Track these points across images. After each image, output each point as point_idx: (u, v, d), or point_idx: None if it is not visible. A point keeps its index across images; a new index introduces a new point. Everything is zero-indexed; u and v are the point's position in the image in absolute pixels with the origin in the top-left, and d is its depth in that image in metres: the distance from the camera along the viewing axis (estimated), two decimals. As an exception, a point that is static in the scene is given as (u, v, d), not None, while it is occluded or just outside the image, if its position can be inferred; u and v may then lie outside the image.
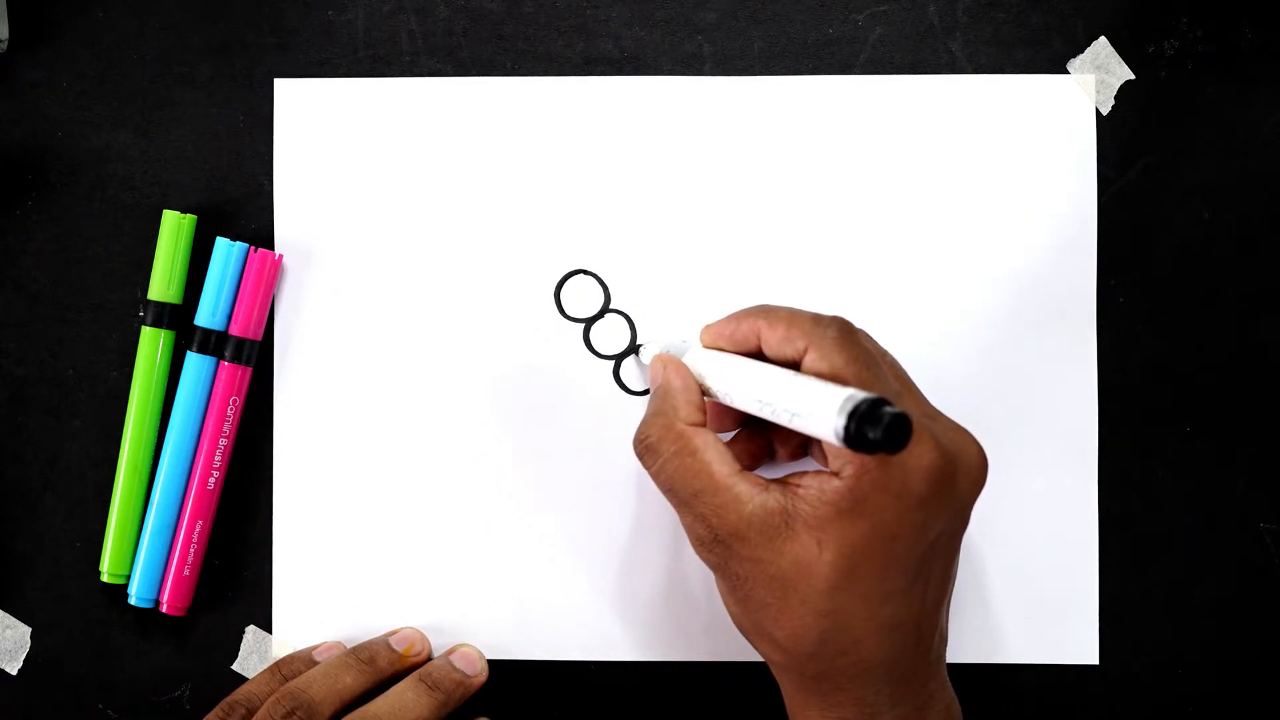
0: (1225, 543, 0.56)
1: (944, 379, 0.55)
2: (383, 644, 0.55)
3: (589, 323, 0.56)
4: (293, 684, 0.52)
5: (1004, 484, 0.55)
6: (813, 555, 0.46)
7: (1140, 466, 0.56)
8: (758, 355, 0.50)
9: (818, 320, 0.48)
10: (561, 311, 0.56)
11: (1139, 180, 0.56)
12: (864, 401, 0.42)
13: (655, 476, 0.49)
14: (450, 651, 0.55)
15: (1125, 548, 0.56)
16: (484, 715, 0.55)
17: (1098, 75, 0.56)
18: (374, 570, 0.56)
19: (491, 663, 0.55)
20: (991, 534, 0.56)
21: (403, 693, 0.52)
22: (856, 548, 0.45)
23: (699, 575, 0.56)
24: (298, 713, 0.50)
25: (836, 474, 0.46)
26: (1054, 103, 0.56)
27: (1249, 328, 0.56)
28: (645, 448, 0.49)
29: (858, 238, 0.56)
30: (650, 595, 0.56)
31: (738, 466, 0.48)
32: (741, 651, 0.55)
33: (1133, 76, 0.56)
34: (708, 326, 0.51)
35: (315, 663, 0.54)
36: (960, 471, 0.47)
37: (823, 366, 0.46)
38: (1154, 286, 0.56)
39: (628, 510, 0.56)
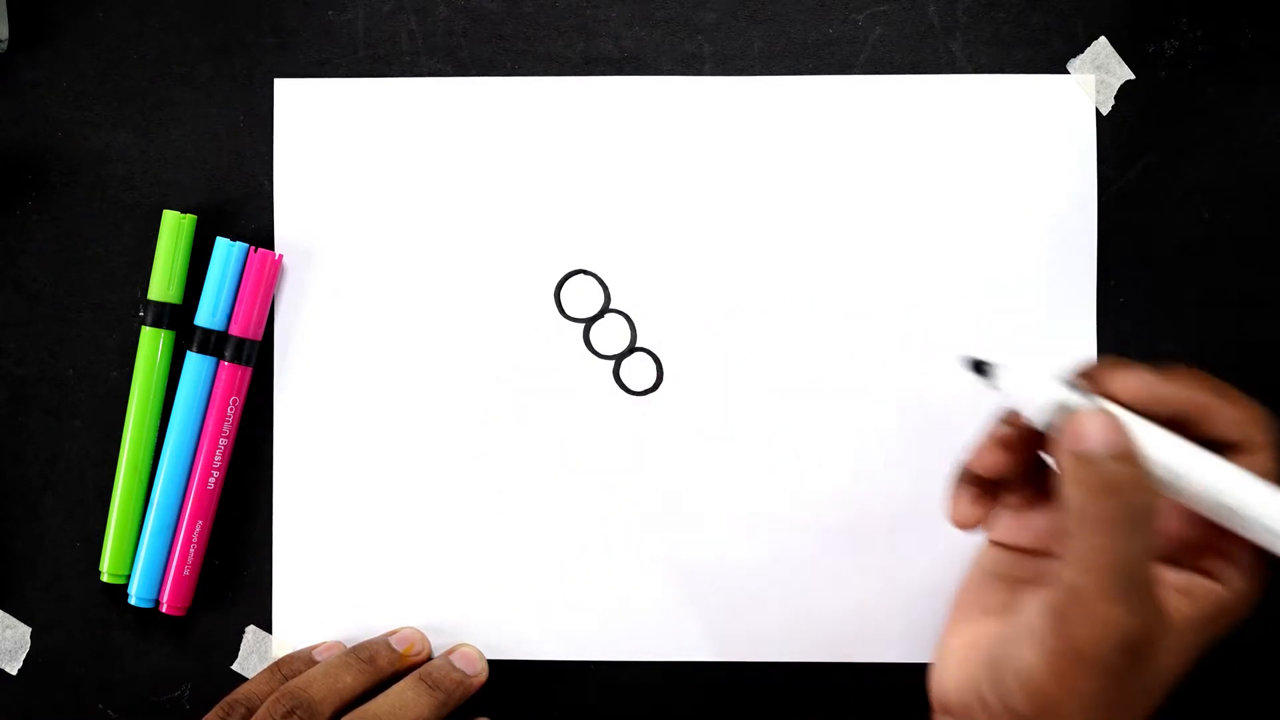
0: None
1: (943, 379, 0.55)
2: (383, 643, 0.55)
3: (589, 323, 0.56)
4: (292, 683, 0.52)
5: (1004, 484, 0.55)
6: (1171, 660, 0.43)
7: (1140, 466, 0.56)
8: (1161, 421, 0.44)
9: (1268, 414, 0.44)
10: (561, 311, 0.56)
11: (1139, 180, 0.56)
12: None
13: (1113, 551, 0.41)
14: (450, 651, 0.55)
15: (1125, 548, 0.56)
16: (484, 715, 0.55)
17: (1098, 75, 0.56)
18: (374, 570, 0.56)
19: (491, 663, 0.55)
20: (991, 534, 0.56)
21: (403, 692, 0.52)
22: (1195, 655, 0.43)
23: (698, 576, 0.56)
24: (297, 712, 0.50)
25: (1215, 578, 0.43)
26: (1054, 103, 0.56)
27: (1249, 328, 0.56)
28: (1131, 513, 0.41)
29: (858, 238, 0.56)
30: (650, 595, 0.56)
31: None
32: (741, 652, 0.55)
33: (1133, 76, 0.56)
34: (1130, 381, 0.44)
35: (315, 662, 0.54)
36: None
37: (1274, 470, 0.43)
38: (1154, 286, 0.56)
39: (627, 510, 0.56)
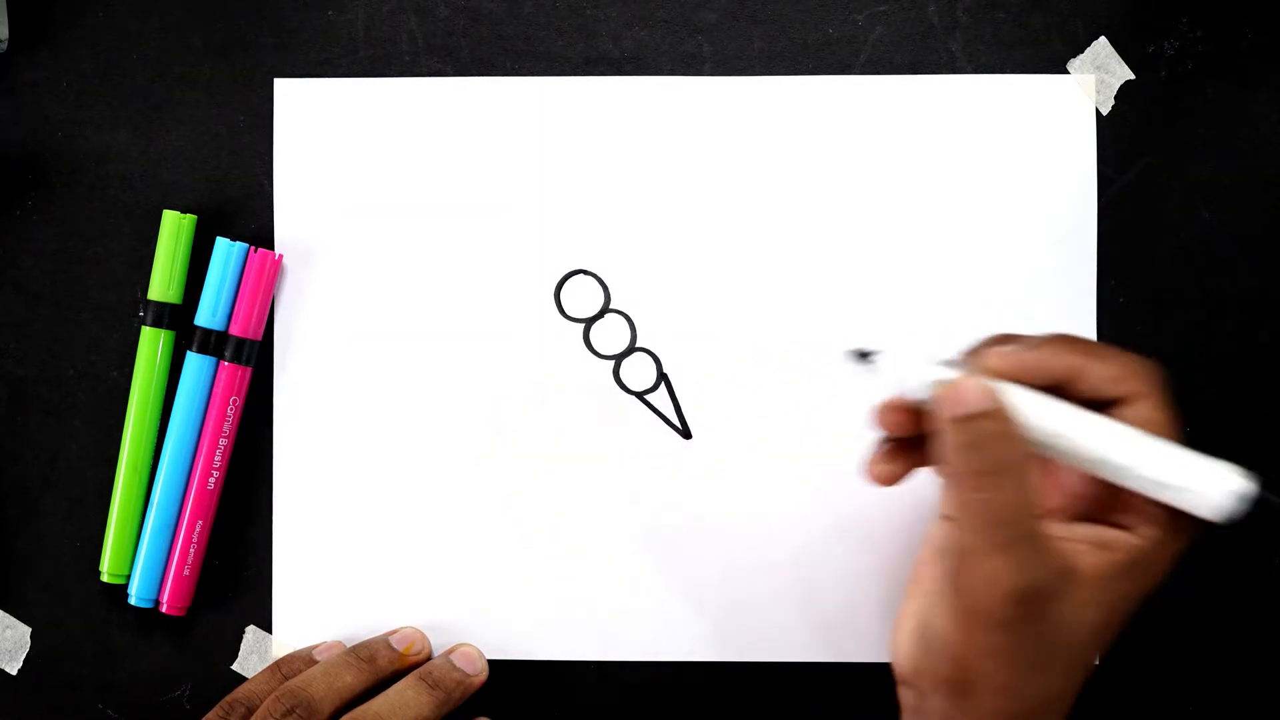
0: (1225, 542, 0.56)
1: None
2: (383, 643, 0.55)
3: (589, 323, 0.56)
4: (292, 682, 0.52)
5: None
6: (1085, 613, 0.43)
7: (1140, 466, 0.56)
8: (1050, 389, 0.44)
9: (1147, 364, 0.45)
10: (561, 311, 0.56)
11: (1139, 180, 0.56)
12: (1264, 486, 0.42)
13: (988, 504, 0.42)
14: (450, 651, 0.55)
15: (1125, 548, 0.56)
16: (484, 715, 0.55)
17: (1098, 75, 0.56)
18: (374, 570, 0.56)
19: (491, 663, 0.55)
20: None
21: (403, 691, 0.52)
22: (1118, 606, 0.44)
23: (698, 575, 0.56)
24: (297, 710, 0.50)
25: (1127, 529, 0.44)
26: (1054, 103, 0.56)
27: (1249, 328, 0.56)
28: (999, 465, 0.42)
29: (857, 238, 0.56)
30: (650, 595, 0.56)
31: None
32: (741, 651, 0.55)
33: (1133, 76, 0.56)
34: (1000, 352, 0.44)
35: (315, 662, 0.54)
36: None
37: (1157, 418, 0.44)
38: (1154, 286, 0.56)
39: (627, 510, 0.56)
